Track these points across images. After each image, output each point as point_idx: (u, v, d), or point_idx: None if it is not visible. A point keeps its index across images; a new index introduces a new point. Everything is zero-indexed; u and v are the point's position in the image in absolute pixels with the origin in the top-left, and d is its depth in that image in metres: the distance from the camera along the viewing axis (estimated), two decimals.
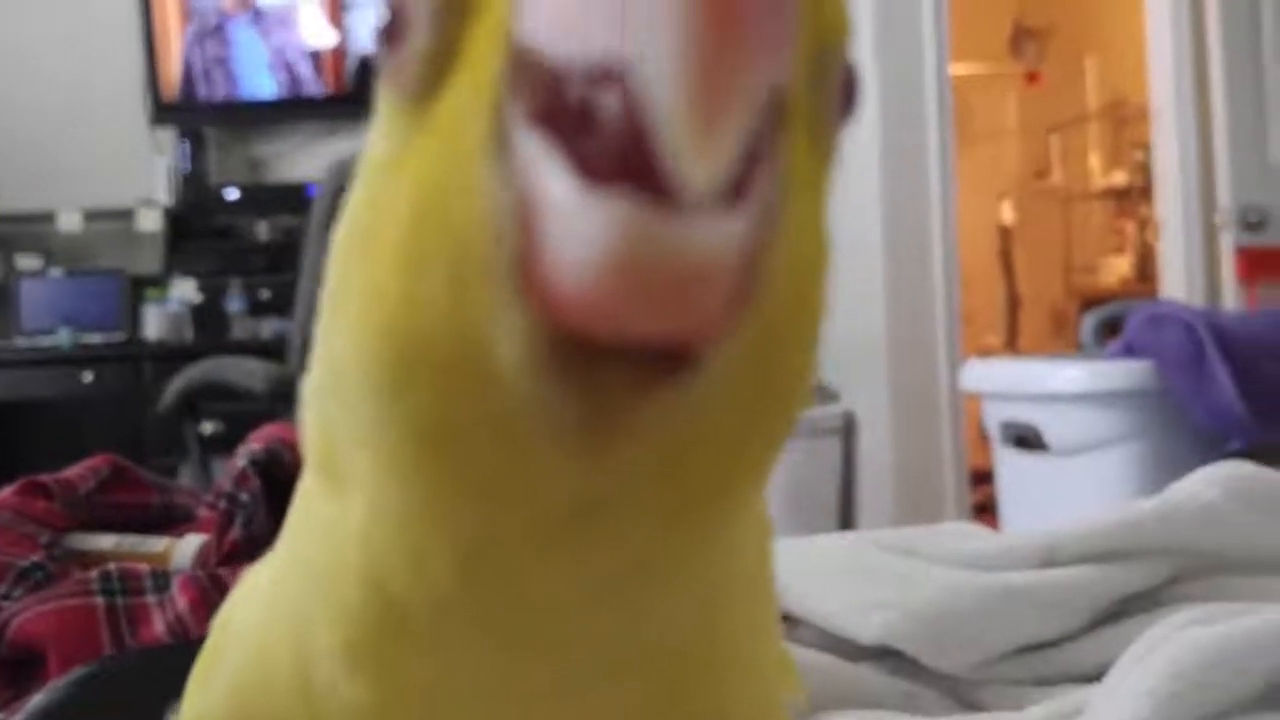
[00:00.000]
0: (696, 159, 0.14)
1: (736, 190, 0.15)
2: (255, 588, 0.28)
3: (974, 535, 0.97)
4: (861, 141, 3.98)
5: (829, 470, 4.31)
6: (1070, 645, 0.83)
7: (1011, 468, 2.04)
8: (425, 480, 0.19)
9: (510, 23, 0.16)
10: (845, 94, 0.20)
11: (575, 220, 0.15)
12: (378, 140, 0.20)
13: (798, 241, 0.18)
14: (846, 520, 2.86)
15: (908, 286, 3.99)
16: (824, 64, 0.19)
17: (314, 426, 0.24)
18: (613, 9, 0.14)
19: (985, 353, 4.78)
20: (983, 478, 3.26)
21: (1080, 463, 1.76)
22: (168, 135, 3.78)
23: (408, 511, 0.20)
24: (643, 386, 0.17)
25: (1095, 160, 5.56)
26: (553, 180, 0.16)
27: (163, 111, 3.70)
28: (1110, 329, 2.10)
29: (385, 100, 0.19)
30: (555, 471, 0.18)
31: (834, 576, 0.88)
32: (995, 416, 2.05)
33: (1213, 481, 0.89)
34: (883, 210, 3.98)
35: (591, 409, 0.17)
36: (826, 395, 4.40)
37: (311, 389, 0.23)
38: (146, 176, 3.73)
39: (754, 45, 0.15)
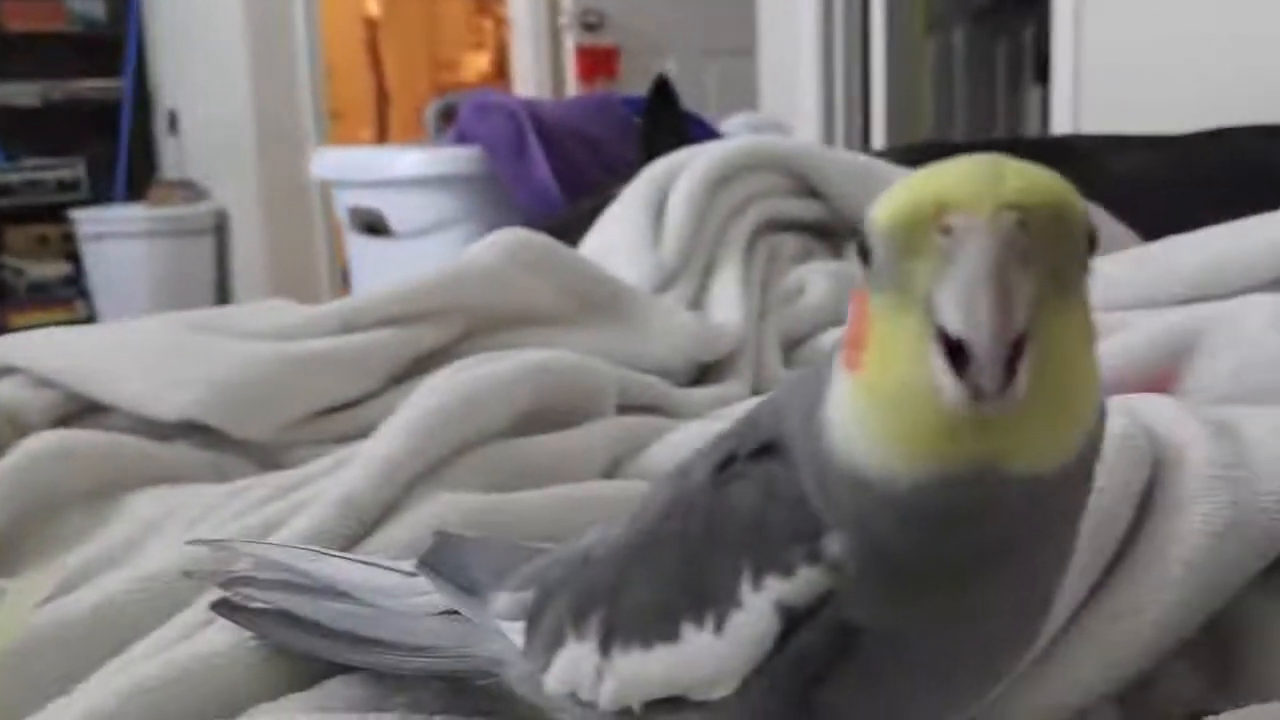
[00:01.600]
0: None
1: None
2: None
3: (284, 309, 1.01)
4: None
5: (202, 269, 4.16)
6: (372, 403, 0.90)
7: (362, 253, 2.11)
8: None
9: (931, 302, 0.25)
10: (1089, 249, 0.27)
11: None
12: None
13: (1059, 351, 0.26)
14: None
15: (272, 82, 3.86)
16: (1074, 260, 0.26)
17: None
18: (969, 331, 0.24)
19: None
20: None
21: (422, 245, 1.87)
22: None
23: None
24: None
25: None
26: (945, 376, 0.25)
27: None
28: (451, 117, 2.21)
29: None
30: None
31: (142, 358, 0.88)
32: (344, 203, 2.10)
33: (495, 246, 0.99)
34: (244, 2, 3.79)
35: None
36: (196, 193, 4.20)
37: None
38: None
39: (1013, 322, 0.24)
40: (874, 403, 0.27)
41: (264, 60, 3.84)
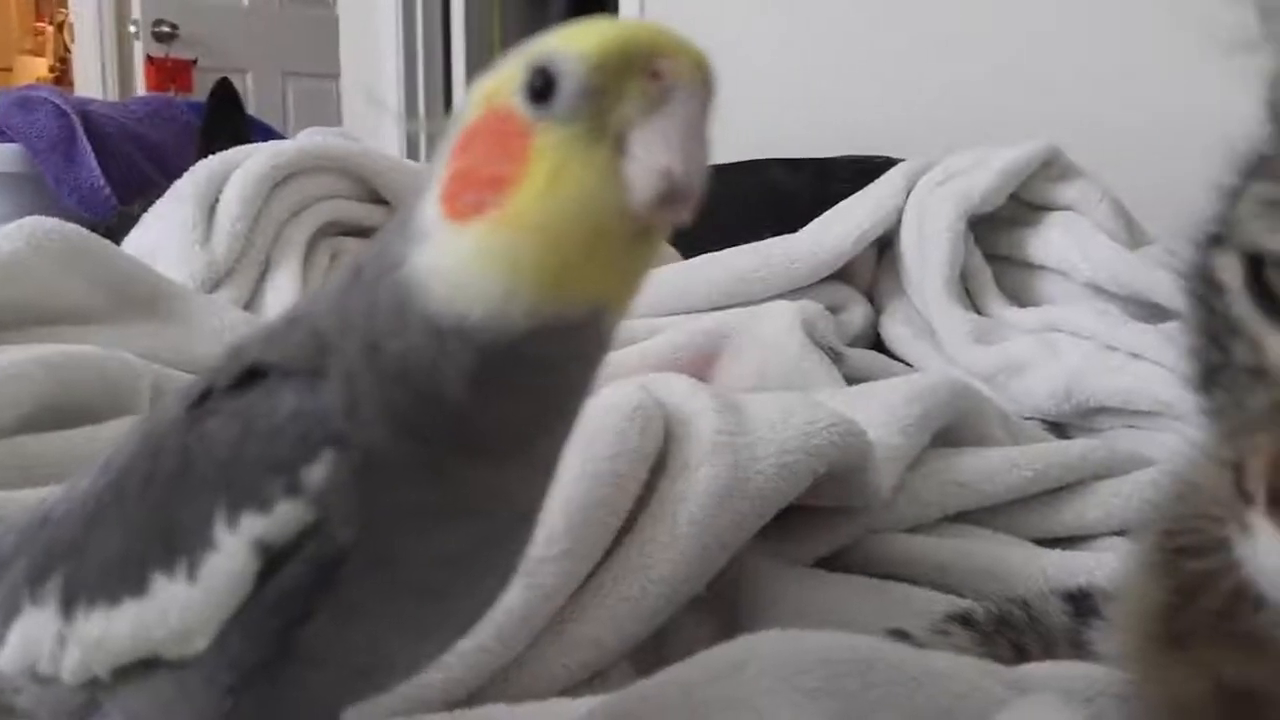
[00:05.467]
0: None
1: None
2: None
3: None
4: None
5: None
6: None
7: None
8: None
9: None
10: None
11: None
12: None
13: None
14: None
15: None
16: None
17: None
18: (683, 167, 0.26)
19: None
20: None
21: None
22: None
23: None
24: None
25: None
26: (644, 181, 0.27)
27: None
28: None
29: None
30: None
31: None
32: None
33: (16, 234, 0.89)
34: None
35: None
36: None
37: None
38: None
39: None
40: (521, 237, 0.27)
41: None
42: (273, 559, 0.29)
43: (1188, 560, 0.34)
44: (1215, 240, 0.32)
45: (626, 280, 0.28)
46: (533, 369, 0.28)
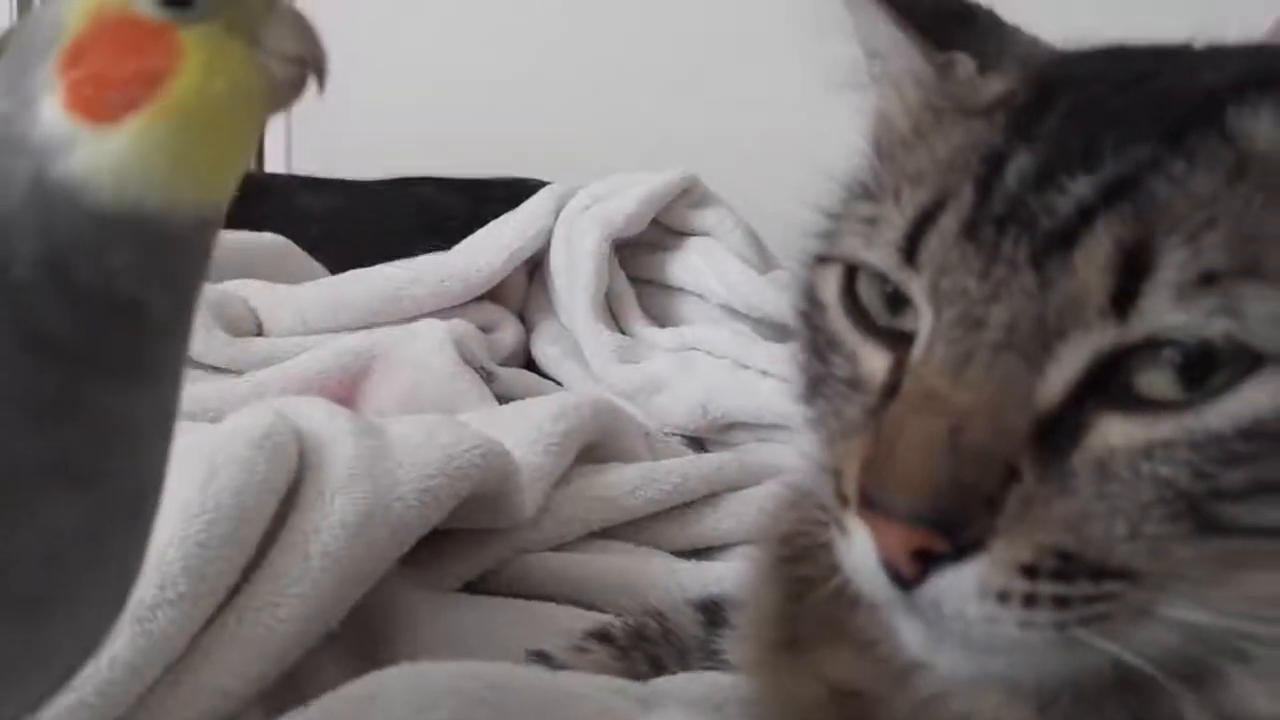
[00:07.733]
0: None
1: None
2: None
3: None
4: None
5: None
6: None
7: None
8: None
9: None
10: None
11: None
12: None
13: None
14: None
15: None
16: None
17: None
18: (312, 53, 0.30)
19: None
20: None
21: None
22: None
23: None
24: None
25: None
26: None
27: None
28: None
29: None
30: None
31: None
32: None
33: None
34: None
35: None
36: None
37: None
38: None
39: None
40: (185, 125, 0.28)
41: None
42: None
43: (798, 566, 0.36)
44: (819, 260, 0.34)
45: (242, 169, 0.30)
46: (190, 260, 0.29)
